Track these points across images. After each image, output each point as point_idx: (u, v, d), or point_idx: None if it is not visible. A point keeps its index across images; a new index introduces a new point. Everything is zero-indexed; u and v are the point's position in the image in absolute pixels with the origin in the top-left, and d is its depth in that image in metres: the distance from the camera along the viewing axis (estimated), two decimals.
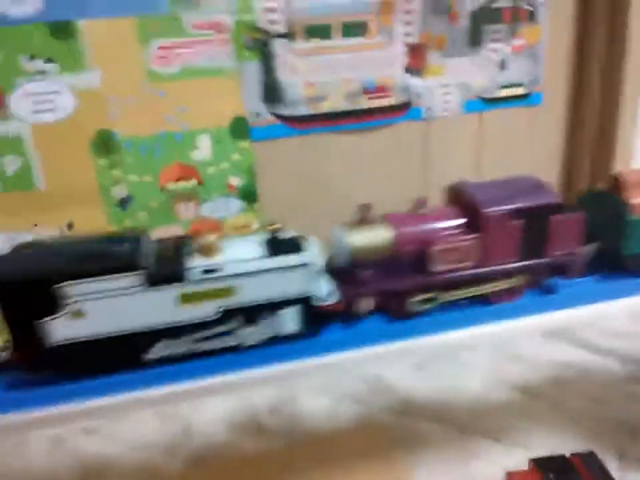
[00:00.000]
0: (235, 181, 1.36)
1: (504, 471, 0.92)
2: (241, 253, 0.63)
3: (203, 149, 1.31)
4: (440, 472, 1.06)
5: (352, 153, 1.47)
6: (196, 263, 0.61)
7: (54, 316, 0.58)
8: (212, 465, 1.10)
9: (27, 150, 1.20)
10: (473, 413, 1.20)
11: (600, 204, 0.76)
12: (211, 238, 0.62)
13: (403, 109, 1.47)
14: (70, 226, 1.27)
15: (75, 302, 0.58)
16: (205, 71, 1.26)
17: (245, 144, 1.34)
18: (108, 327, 0.59)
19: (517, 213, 0.68)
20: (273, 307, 0.63)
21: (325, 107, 1.40)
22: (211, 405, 1.25)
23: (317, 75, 1.36)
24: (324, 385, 1.31)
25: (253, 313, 0.63)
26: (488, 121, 1.58)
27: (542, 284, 0.75)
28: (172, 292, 0.60)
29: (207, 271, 0.60)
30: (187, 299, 0.60)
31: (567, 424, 1.16)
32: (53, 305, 0.58)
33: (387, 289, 0.67)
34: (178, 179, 1.31)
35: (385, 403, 1.25)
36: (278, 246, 0.63)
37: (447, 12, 1.41)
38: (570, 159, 1.71)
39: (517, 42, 1.51)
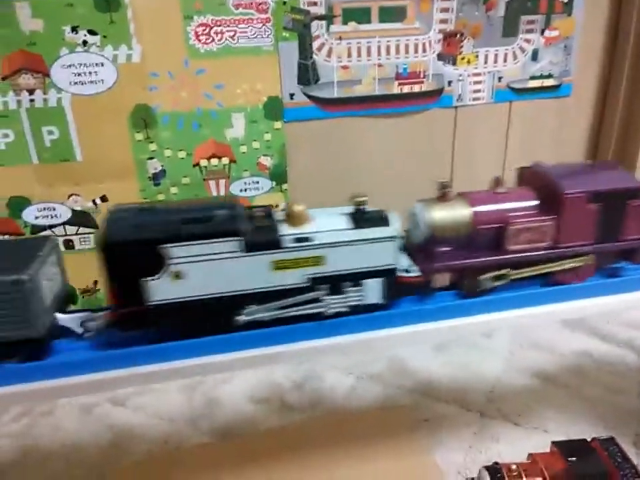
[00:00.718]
0: (266, 161, 1.38)
1: (526, 453, 0.95)
2: (329, 223, 0.64)
3: (238, 128, 1.33)
4: (460, 453, 1.09)
5: (382, 138, 1.49)
6: (288, 232, 0.63)
7: (156, 276, 0.60)
8: (236, 438, 1.13)
9: (66, 121, 1.22)
10: (492, 397, 1.24)
11: None
12: (300, 207, 0.64)
13: (435, 95, 1.48)
14: (103, 199, 1.30)
15: (177, 264, 0.60)
16: (244, 50, 1.27)
17: (278, 124, 1.36)
18: (205, 289, 0.61)
19: (596, 195, 0.68)
20: (358, 277, 0.65)
21: (358, 90, 1.41)
22: (238, 379, 1.28)
23: (353, 58, 1.37)
24: (348, 365, 1.35)
25: (338, 282, 0.65)
26: (517, 110, 1.59)
27: (609, 267, 0.75)
28: (266, 258, 0.62)
29: (298, 240, 0.62)
30: (279, 265, 0.62)
31: (584, 410, 1.19)
32: (155, 266, 0.60)
33: (462, 266, 0.68)
34: (211, 157, 1.33)
35: (407, 384, 1.28)
36: (363, 218, 0.65)
37: (484, 1, 1.41)
38: (595, 150, 1.72)
39: (551, 33, 1.51)
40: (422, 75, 1.44)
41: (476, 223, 0.68)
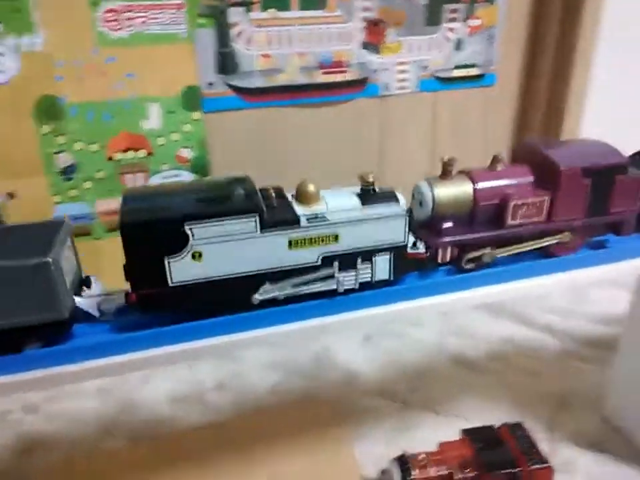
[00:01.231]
0: (186, 153, 1.33)
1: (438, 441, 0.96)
2: (340, 202, 0.65)
3: (153, 119, 1.28)
4: (379, 445, 1.10)
5: (308, 127, 1.46)
6: (302, 210, 0.64)
7: (177, 256, 0.60)
8: (152, 440, 1.11)
9: None
10: (416, 387, 1.25)
11: None
12: (312, 187, 0.64)
13: (360, 85, 1.47)
14: (11, 195, 1.22)
15: (198, 244, 0.60)
16: (158, 37, 1.22)
17: (197, 115, 1.31)
18: (224, 269, 0.62)
19: (588, 171, 0.71)
20: (369, 254, 0.66)
21: (281, 79, 1.38)
22: (157, 379, 1.25)
23: (274, 46, 1.34)
24: (274, 360, 1.33)
25: (351, 259, 0.66)
26: (444, 99, 1.59)
27: (596, 239, 0.79)
28: (283, 237, 0.63)
29: (313, 218, 0.63)
30: (295, 244, 0.63)
31: (503, 395, 1.22)
32: (175, 247, 0.60)
33: (466, 241, 0.71)
34: (126, 149, 1.28)
35: (333, 377, 1.28)
36: (372, 197, 0.66)
37: None
38: (521, 137, 1.75)
39: (475, 22, 1.52)
40: (346, 64, 1.42)
41: (478, 200, 0.70)
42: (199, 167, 1.36)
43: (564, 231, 0.74)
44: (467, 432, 0.96)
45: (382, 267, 0.67)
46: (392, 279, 0.69)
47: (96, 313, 0.64)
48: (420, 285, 0.71)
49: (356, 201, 0.66)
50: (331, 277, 0.66)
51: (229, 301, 0.64)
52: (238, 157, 1.40)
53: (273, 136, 1.43)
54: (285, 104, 1.41)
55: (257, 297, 0.64)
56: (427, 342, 1.42)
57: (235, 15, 1.27)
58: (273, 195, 0.65)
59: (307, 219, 0.63)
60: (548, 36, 1.59)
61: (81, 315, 0.63)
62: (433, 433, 1.12)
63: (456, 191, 0.70)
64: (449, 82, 1.57)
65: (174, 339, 0.63)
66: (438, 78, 1.55)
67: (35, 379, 0.60)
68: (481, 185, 0.71)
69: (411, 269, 0.71)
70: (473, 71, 1.58)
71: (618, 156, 0.74)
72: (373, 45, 1.43)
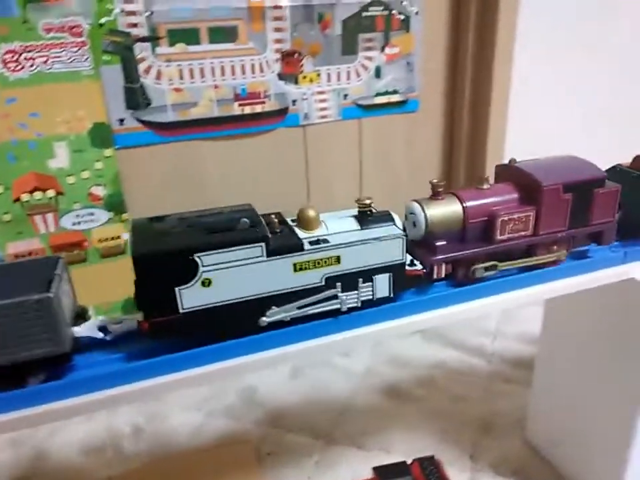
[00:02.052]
0: (99, 191, 1.30)
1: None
2: (340, 225, 0.70)
3: (61, 158, 1.24)
4: None
5: (228, 160, 1.45)
6: (305, 235, 0.68)
7: (187, 285, 0.63)
8: None
9: None
10: (341, 421, 1.22)
11: (624, 178, 0.85)
12: (312, 212, 0.68)
13: (279, 115, 1.46)
14: None
15: (207, 271, 0.63)
16: (61, 76, 1.19)
17: (108, 152, 1.29)
18: (232, 294, 0.65)
19: (569, 186, 0.76)
20: (370, 273, 0.70)
21: (195, 113, 1.36)
22: (70, 429, 1.20)
23: (185, 80, 1.33)
24: (197, 400, 1.29)
25: (353, 279, 0.69)
26: (368, 126, 1.60)
27: (580, 250, 0.84)
28: (288, 261, 0.66)
29: (315, 242, 0.67)
30: (299, 267, 0.66)
31: (428, 424, 1.20)
32: (186, 275, 0.62)
33: (459, 257, 0.75)
34: (34, 190, 1.24)
35: (256, 416, 1.25)
36: (370, 219, 0.70)
37: (318, 20, 1.41)
38: (448, 160, 1.77)
39: (391, 50, 1.53)
40: (263, 95, 1.42)
41: (468, 218, 0.75)
42: (114, 204, 1.33)
43: (549, 243, 0.79)
44: (377, 469, 0.94)
45: (382, 285, 0.71)
46: (392, 296, 0.72)
47: (98, 335, 0.66)
48: (417, 300, 0.75)
49: (354, 224, 0.70)
50: (335, 297, 0.69)
51: (237, 324, 0.66)
52: (155, 192, 1.38)
53: (192, 170, 1.42)
54: (202, 137, 1.39)
55: (265, 319, 0.67)
56: (356, 372, 1.40)
57: (141, 50, 1.26)
58: (276, 221, 0.68)
59: (310, 243, 0.67)
60: (465, 61, 1.62)
61: (80, 345, 0.65)
62: (355, 469, 1.09)
63: (446, 210, 0.75)
64: (371, 109, 1.58)
65: (185, 364, 0.65)
66: (360, 105, 1.56)
67: (37, 414, 0.61)
68: (470, 204, 0.75)
69: (409, 286, 0.74)
70: (395, 98, 1.59)
71: (596, 170, 0.80)
72: (290, 75, 1.43)
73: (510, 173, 0.80)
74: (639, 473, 0.93)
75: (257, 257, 0.64)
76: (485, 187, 0.77)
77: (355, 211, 0.72)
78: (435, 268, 0.74)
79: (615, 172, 0.88)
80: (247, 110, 1.41)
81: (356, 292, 0.70)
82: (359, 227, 0.70)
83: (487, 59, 1.60)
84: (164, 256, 0.61)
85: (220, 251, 0.62)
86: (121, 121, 1.29)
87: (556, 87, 1.74)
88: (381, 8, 1.47)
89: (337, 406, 1.27)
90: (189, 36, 1.29)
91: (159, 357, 0.64)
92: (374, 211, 0.72)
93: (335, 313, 0.70)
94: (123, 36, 1.23)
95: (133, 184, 1.34)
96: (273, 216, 0.69)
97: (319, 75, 1.47)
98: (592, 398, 0.97)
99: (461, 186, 1.75)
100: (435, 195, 0.75)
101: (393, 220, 0.71)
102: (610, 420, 0.94)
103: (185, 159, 1.39)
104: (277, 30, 1.37)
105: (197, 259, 0.62)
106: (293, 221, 0.70)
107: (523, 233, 0.77)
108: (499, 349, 1.46)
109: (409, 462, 0.96)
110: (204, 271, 0.62)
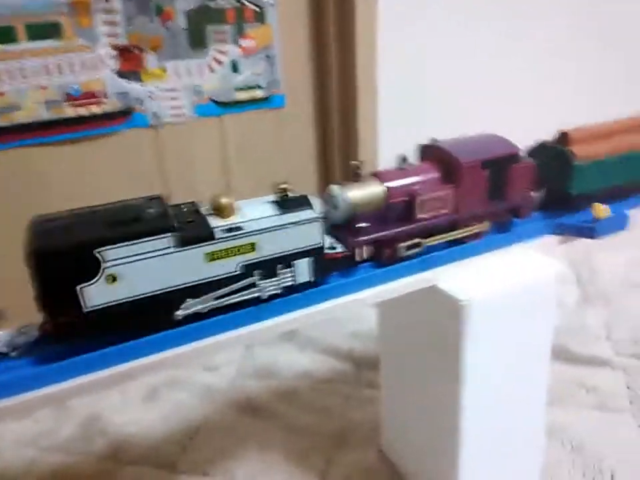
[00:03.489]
0: None
1: None
2: (256, 212, 0.67)
3: None
4: None
5: (69, 167, 1.32)
6: (218, 223, 0.64)
7: (91, 282, 0.59)
8: None
9: None
10: (191, 446, 1.14)
11: (549, 154, 0.88)
12: (225, 199, 0.65)
13: (123, 116, 1.35)
14: None
15: (112, 266, 0.59)
16: None
17: None
18: (142, 288, 0.62)
19: (486, 163, 0.77)
20: (289, 259, 0.68)
21: (20, 117, 1.23)
22: None
23: (4, 82, 1.19)
24: (32, 434, 1.18)
25: (271, 266, 0.68)
26: (231, 123, 1.51)
27: (501, 224, 0.85)
28: (200, 251, 0.63)
29: (229, 230, 0.64)
30: (212, 257, 0.64)
31: (283, 441, 1.14)
32: (89, 272, 0.59)
33: (381, 237, 0.74)
34: None
35: (97, 448, 1.14)
36: (288, 204, 0.69)
37: (156, 12, 1.30)
38: (323, 153, 1.70)
39: (247, 43, 1.44)
40: (100, 95, 1.30)
41: (389, 198, 0.74)
42: None
43: (470, 219, 0.80)
44: None
45: (303, 270, 0.70)
46: (314, 280, 0.71)
47: (4, 349, 0.62)
48: (342, 283, 0.73)
49: (272, 209, 0.68)
50: (253, 285, 0.67)
51: (151, 320, 0.63)
52: None
53: (28, 180, 1.29)
54: (32, 143, 1.26)
55: (180, 313, 0.64)
56: (217, 389, 1.31)
57: None
58: (187, 210, 0.66)
59: (222, 231, 0.64)
60: (329, 51, 1.55)
61: None
62: None
63: (367, 192, 0.74)
64: (231, 106, 1.49)
65: (97, 365, 0.62)
66: (217, 102, 1.46)
67: None
68: (390, 184, 0.75)
69: (333, 270, 0.73)
70: (258, 93, 1.51)
71: (511, 147, 0.81)
72: (130, 72, 1.32)
73: (432, 152, 0.81)
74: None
75: (165, 248, 0.61)
76: (406, 166, 0.78)
77: (274, 196, 0.70)
78: (358, 250, 0.74)
79: (541, 148, 0.89)
80: (83, 111, 1.29)
81: (276, 279, 0.68)
82: (277, 213, 0.68)
83: (350, 47, 1.54)
84: (61, 251, 0.57)
85: (124, 244, 0.59)
86: None
87: (425, 63, 1.70)
88: None
89: (185, 429, 1.19)
90: (3, 34, 1.16)
91: (62, 362, 0.60)
92: (290, 196, 0.70)
93: (256, 301, 0.68)
94: None
95: None
96: (184, 206, 0.67)
97: (165, 70, 1.36)
98: (425, 403, 0.92)
99: (337, 177, 1.69)
100: (355, 177, 0.75)
101: (310, 204, 0.70)
102: (439, 425, 0.89)
103: (17, 168, 1.26)
104: (108, 24, 1.26)
105: (98, 255, 0.59)
106: (207, 209, 0.67)
107: (444, 211, 0.77)
108: (368, 353, 1.41)
109: None
110: (107, 267, 0.59)
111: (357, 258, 0.75)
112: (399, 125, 1.62)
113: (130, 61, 1.31)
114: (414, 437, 1.00)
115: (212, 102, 1.46)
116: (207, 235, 0.63)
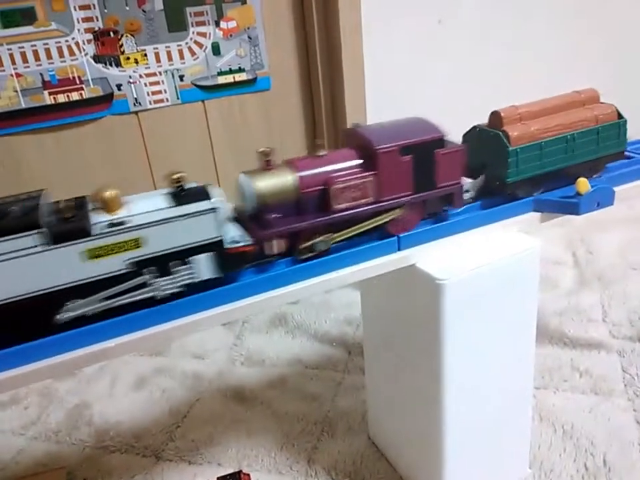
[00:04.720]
0: None
1: None
2: (146, 205, 0.62)
3: None
4: None
5: (51, 156, 1.31)
6: (101, 219, 0.60)
7: None
8: None
9: None
10: (177, 434, 1.13)
11: (483, 138, 0.83)
12: (109, 193, 0.60)
13: (104, 102, 1.33)
14: None
15: None
16: None
17: None
18: (14, 290, 0.57)
19: (405, 148, 0.72)
20: (184, 254, 0.63)
21: None
22: None
23: None
24: (24, 423, 1.17)
25: (165, 263, 0.63)
26: (215, 108, 1.48)
27: (434, 213, 0.79)
28: (76, 248, 0.59)
29: (111, 225, 0.59)
30: (92, 254, 0.59)
31: (271, 428, 1.13)
32: None
33: (293, 230, 0.69)
34: None
35: (82, 436, 1.14)
36: (182, 195, 0.63)
37: None
38: (312, 136, 1.67)
39: (228, 25, 1.41)
40: (79, 81, 1.28)
41: (301, 187, 0.69)
42: None
43: (394, 209, 0.74)
44: None
45: (204, 265, 0.64)
46: (219, 276, 0.66)
47: None
48: (251, 281, 0.68)
49: (164, 202, 0.63)
50: (147, 283, 0.62)
51: (26, 326, 0.58)
52: None
53: (11, 168, 1.27)
54: (13, 131, 1.25)
55: (61, 317, 0.59)
56: (207, 377, 1.30)
57: None
58: (69, 206, 0.61)
59: (106, 226, 0.59)
60: (313, 31, 1.52)
61: None
62: None
63: (277, 181, 0.69)
64: (215, 90, 1.46)
65: None
66: (200, 86, 1.43)
67: None
68: (303, 173, 0.70)
69: (241, 265, 0.68)
70: (242, 76, 1.48)
71: (434, 131, 0.74)
72: (108, 56, 1.30)
73: (353, 137, 0.75)
74: (454, 470, 0.88)
75: (32, 247, 0.56)
76: (322, 153, 0.72)
77: (170, 188, 0.65)
78: (267, 243, 0.69)
79: (475, 132, 0.85)
80: (62, 98, 1.27)
81: (171, 277, 0.63)
82: (169, 205, 0.62)
83: (335, 25, 1.50)
84: None
85: None
86: None
87: (409, 45, 1.66)
88: None
89: (171, 417, 1.18)
90: None
91: None
92: (186, 187, 0.64)
93: (153, 300, 0.63)
94: None
95: None
96: (68, 202, 0.62)
97: (145, 55, 1.34)
98: (409, 387, 0.90)
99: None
100: (266, 165, 0.70)
101: (207, 195, 0.64)
102: (423, 410, 0.87)
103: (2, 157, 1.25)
104: (83, 8, 1.23)
105: None
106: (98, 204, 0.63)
107: (364, 200, 0.72)
108: (359, 339, 1.39)
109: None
110: None
111: (267, 252, 0.69)
112: (388, 106, 1.59)
113: (107, 46, 1.29)
114: (399, 423, 0.98)
115: (195, 87, 1.43)
116: (82, 231, 0.58)
